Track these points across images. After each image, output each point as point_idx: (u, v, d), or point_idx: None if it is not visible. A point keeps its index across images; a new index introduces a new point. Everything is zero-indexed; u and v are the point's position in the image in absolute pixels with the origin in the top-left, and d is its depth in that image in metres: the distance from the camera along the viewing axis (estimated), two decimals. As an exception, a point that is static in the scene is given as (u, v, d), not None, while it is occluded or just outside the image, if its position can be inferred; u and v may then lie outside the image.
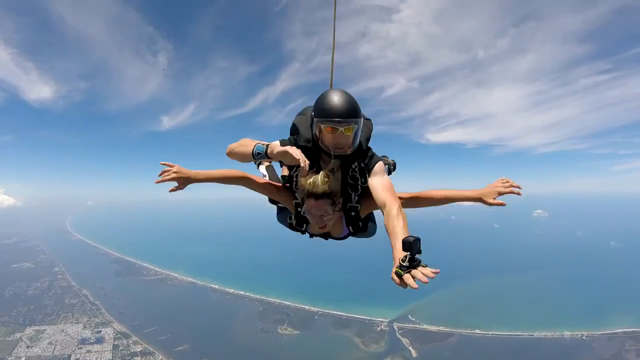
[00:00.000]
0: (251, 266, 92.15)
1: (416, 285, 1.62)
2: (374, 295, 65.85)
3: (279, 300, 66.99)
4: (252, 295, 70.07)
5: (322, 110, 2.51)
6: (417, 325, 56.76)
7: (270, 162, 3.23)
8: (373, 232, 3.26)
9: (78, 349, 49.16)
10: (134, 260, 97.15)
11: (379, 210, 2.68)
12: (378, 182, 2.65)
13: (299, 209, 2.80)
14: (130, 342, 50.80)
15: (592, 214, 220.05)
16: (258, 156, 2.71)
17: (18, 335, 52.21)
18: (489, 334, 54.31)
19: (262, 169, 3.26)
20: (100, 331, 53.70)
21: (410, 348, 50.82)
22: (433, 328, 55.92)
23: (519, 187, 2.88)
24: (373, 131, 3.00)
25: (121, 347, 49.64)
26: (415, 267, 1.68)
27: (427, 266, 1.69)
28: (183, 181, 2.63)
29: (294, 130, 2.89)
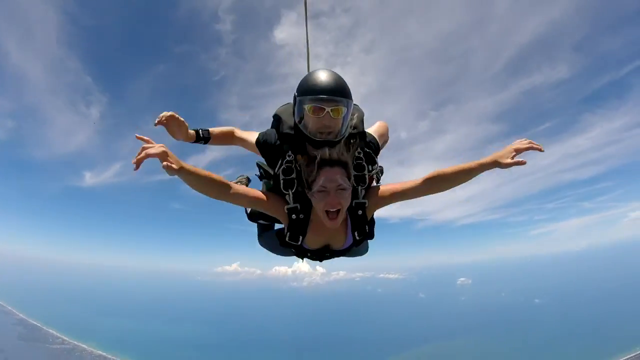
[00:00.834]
0: (172, 344, 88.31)
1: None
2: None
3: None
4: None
5: (306, 88, 2.14)
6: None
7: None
8: (367, 249, 3.00)
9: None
10: (39, 325, 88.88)
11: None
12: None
13: (293, 216, 2.31)
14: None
15: (514, 275, 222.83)
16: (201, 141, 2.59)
17: None
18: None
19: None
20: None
21: None
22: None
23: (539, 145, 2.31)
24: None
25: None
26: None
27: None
28: (175, 161, 1.86)
29: (277, 119, 2.51)
